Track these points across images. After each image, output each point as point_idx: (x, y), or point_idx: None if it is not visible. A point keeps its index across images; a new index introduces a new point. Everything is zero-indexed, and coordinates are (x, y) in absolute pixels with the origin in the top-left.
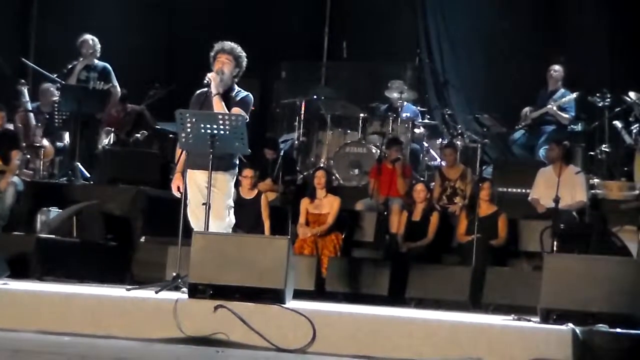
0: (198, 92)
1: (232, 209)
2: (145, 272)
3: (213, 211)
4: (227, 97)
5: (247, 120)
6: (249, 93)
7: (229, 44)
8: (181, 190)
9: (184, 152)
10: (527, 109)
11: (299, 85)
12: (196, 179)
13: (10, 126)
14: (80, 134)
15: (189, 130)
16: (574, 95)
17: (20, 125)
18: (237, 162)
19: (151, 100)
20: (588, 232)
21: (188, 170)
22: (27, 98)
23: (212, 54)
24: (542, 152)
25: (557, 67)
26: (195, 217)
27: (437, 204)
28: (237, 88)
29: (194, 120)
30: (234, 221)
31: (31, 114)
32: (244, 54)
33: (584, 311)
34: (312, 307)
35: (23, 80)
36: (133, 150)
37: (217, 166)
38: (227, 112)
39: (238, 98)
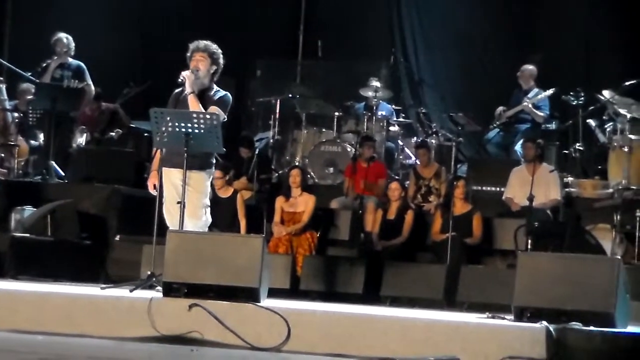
0: (175, 91)
1: (209, 208)
2: (119, 271)
3: (189, 210)
4: (203, 96)
5: (225, 120)
6: (227, 93)
7: (203, 43)
8: (157, 189)
9: (159, 150)
10: (500, 109)
11: (274, 83)
12: (172, 177)
13: None
14: (54, 132)
15: (163, 129)
16: (549, 92)
17: None
18: (214, 160)
19: (125, 98)
20: (562, 231)
21: (163, 168)
22: (5, 96)
23: (188, 54)
24: (518, 148)
25: (529, 66)
26: (170, 216)
27: (411, 203)
28: (215, 87)
29: (168, 118)
30: (210, 220)
31: (8, 112)
32: (219, 52)
33: (558, 309)
34: (286, 306)
35: (1, 78)
36: (107, 148)
37: (193, 165)
38: (203, 110)
39: (216, 97)
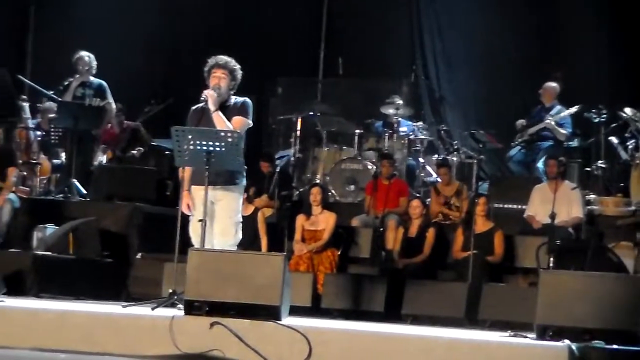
0: (194, 107)
1: (240, 225)
2: (141, 289)
3: (219, 228)
4: (223, 108)
5: (251, 126)
6: (245, 98)
7: (222, 58)
8: (191, 208)
9: (186, 171)
10: (521, 121)
11: (295, 101)
12: (202, 195)
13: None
14: (76, 150)
15: (184, 147)
16: (572, 110)
17: (20, 141)
18: (244, 178)
19: (147, 116)
20: (584, 248)
21: (193, 186)
22: (28, 114)
23: (206, 69)
24: (540, 166)
25: (551, 83)
26: (196, 234)
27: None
28: (233, 97)
29: (189, 137)
30: (240, 237)
31: (31, 131)
32: (238, 67)
33: (580, 327)
34: (308, 324)
35: (24, 97)
36: (129, 166)
37: (224, 182)
38: (230, 126)
39: (238, 105)
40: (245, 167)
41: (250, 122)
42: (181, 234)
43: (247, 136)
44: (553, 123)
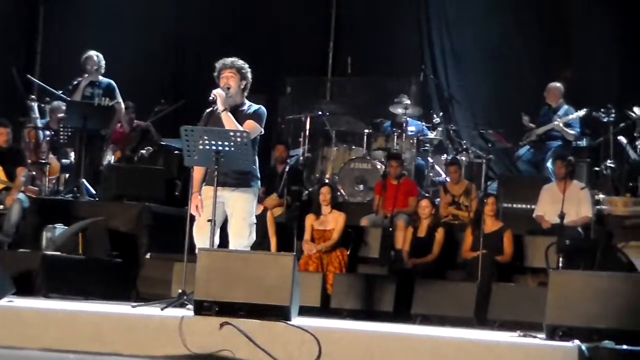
0: (207, 110)
1: (254, 226)
2: (150, 289)
3: (234, 229)
4: (237, 112)
5: (263, 133)
6: (261, 106)
7: (229, 59)
8: (200, 210)
9: (197, 171)
10: (526, 117)
11: (304, 100)
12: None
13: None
14: (85, 150)
15: (193, 146)
16: (581, 113)
17: (29, 141)
18: (259, 178)
19: (157, 116)
20: (593, 248)
21: (205, 187)
22: (37, 114)
23: (215, 73)
24: (549, 165)
25: (555, 84)
26: (200, 234)
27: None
28: (247, 102)
29: (198, 136)
30: (254, 238)
31: (40, 131)
32: (246, 66)
33: (590, 327)
34: (317, 324)
35: (33, 96)
36: (138, 166)
37: (238, 183)
38: (239, 127)
39: (251, 111)
40: (255, 167)
41: (262, 130)
42: (190, 234)
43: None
44: (561, 124)
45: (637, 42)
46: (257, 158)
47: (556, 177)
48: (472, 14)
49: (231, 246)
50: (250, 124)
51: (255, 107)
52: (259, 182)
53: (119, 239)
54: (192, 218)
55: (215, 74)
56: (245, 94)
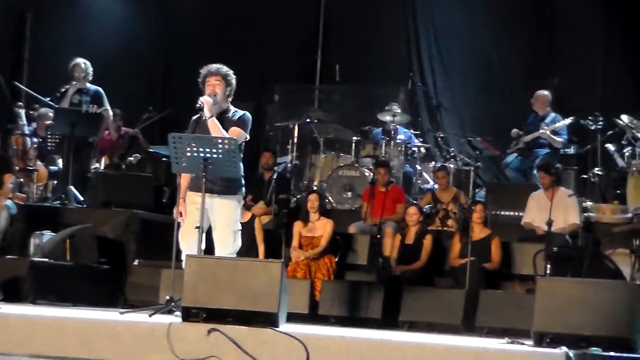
0: (193, 117)
1: (239, 233)
2: (138, 296)
3: (217, 237)
4: (222, 118)
5: (248, 139)
6: (245, 112)
7: (214, 66)
8: (184, 217)
9: (184, 178)
10: (515, 131)
11: (292, 108)
12: (199, 202)
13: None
14: (73, 157)
15: (181, 153)
16: (568, 121)
17: (16, 148)
18: (243, 185)
19: (145, 124)
20: (581, 255)
21: (190, 192)
22: (24, 121)
23: (200, 80)
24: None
25: (542, 92)
26: (185, 240)
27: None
28: (232, 108)
29: (186, 143)
30: (240, 245)
31: (27, 137)
32: (231, 72)
33: (577, 334)
34: (305, 331)
35: (20, 103)
36: (126, 173)
37: (222, 190)
38: (225, 134)
39: (236, 117)
40: (242, 174)
41: (247, 136)
42: (178, 241)
43: (245, 144)
44: (548, 132)
45: (624, 51)
46: (241, 164)
47: (542, 187)
48: (459, 23)
49: (217, 253)
50: (235, 130)
51: (240, 113)
52: (243, 189)
53: (107, 246)
54: (180, 225)
55: (200, 80)
56: (230, 99)
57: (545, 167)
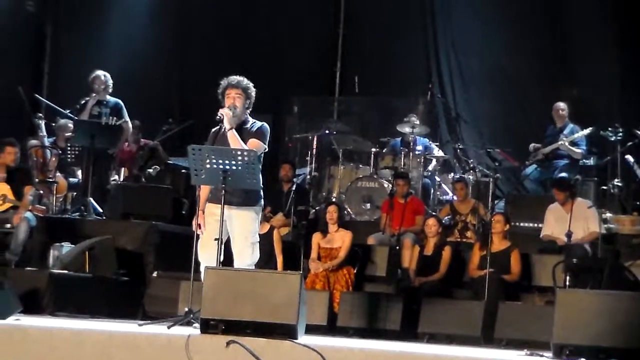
0: (213, 129)
1: (257, 244)
2: (157, 307)
3: (236, 249)
4: (241, 130)
5: (267, 150)
6: (264, 123)
7: (235, 78)
8: (202, 229)
9: (203, 190)
10: (533, 145)
11: (311, 120)
12: (218, 213)
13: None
14: (92, 169)
15: (200, 165)
16: (586, 131)
17: (36, 159)
18: (262, 197)
19: (165, 135)
20: (600, 267)
21: (209, 204)
22: (44, 132)
23: (219, 91)
24: None
25: (560, 103)
26: (204, 251)
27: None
28: (250, 120)
29: (205, 155)
30: (258, 256)
31: (47, 149)
32: (251, 85)
33: (597, 346)
34: (324, 342)
35: (40, 115)
36: (145, 185)
37: (241, 202)
38: (244, 146)
39: (254, 129)
40: (262, 186)
41: (266, 147)
42: (197, 253)
43: (264, 156)
44: (567, 144)
45: None
46: (260, 176)
47: (557, 202)
48: (478, 34)
49: (235, 265)
50: (254, 142)
51: (258, 124)
52: (262, 200)
53: (126, 258)
54: (199, 236)
55: (220, 91)
56: (249, 111)
57: (559, 184)
